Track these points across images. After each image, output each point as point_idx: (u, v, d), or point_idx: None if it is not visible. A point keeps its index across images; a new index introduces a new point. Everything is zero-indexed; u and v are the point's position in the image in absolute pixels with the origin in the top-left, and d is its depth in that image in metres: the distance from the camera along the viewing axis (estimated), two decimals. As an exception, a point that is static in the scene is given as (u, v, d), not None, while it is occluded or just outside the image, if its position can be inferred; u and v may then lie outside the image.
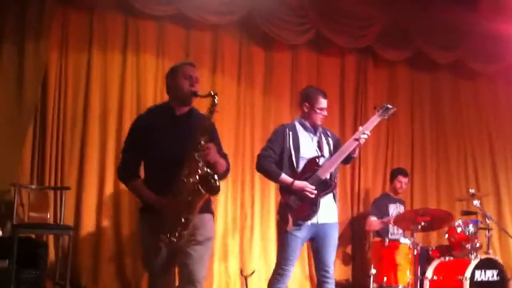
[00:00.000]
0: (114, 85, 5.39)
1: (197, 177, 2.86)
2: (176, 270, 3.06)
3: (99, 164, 5.25)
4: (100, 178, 5.24)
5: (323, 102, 3.94)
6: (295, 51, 6.26)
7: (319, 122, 3.97)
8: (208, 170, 2.88)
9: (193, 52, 5.73)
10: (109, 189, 5.25)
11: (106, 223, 5.21)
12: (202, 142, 2.91)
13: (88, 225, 5.15)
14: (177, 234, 2.86)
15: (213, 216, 3.18)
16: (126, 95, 5.39)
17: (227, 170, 3.13)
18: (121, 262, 5.20)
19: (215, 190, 2.88)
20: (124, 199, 5.28)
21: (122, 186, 5.09)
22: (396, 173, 6.00)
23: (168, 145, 2.99)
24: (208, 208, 3.07)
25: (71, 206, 5.11)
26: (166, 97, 5.26)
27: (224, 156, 3.12)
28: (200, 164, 2.89)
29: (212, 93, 3.01)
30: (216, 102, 3.00)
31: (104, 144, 5.28)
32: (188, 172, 2.89)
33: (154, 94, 5.52)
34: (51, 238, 5.00)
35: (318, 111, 3.94)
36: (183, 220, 2.86)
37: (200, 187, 2.85)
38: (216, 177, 2.87)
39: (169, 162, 2.93)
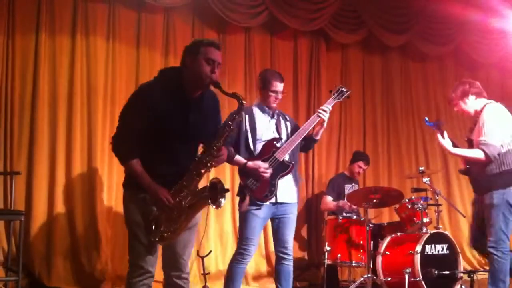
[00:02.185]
0: (63, 69, 5.27)
1: (208, 185, 2.77)
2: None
3: (49, 149, 5.15)
4: (50, 164, 5.13)
5: (276, 85, 3.96)
6: (249, 34, 6.27)
7: (272, 105, 3.99)
8: (217, 183, 2.79)
9: (145, 35, 5.67)
10: (60, 175, 5.15)
11: (58, 209, 5.12)
12: (217, 148, 2.82)
13: (39, 211, 5.05)
14: (170, 230, 2.79)
15: None
16: (76, 79, 5.27)
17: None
18: (75, 248, 5.13)
19: (218, 204, 2.79)
20: (77, 185, 5.20)
21: (74, 172, 5.16)
22: (358, 157, 6.08)
23: (176, 131, 2.83)
24: None
25: (21, 191, 5.00)
26: (117, 81, 5.38)
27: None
28: (208, 168, 2.83)
29: (241, 99, 2.85)
30: (242, 110, 2.87)
31: (54, 129, 5.17)
32: (197, 175, 2.81)
33: (105, 78, 5.42)
34: (1, 224, 4.89)
35: (271, 93, 3.97)
36: (178, 221, 2.79)
37: (207, 196, 2.77)
38: (223, 192, 2.79)
39: (174, 145, 2.84)
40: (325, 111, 3.94)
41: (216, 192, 2.78)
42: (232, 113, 2.89)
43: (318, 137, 4.08)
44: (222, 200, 2.80)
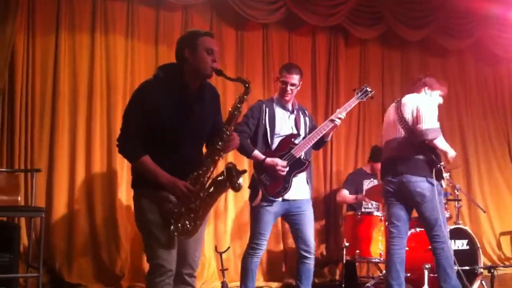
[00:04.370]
0: (83, 67, 5.32)
1: (224, 170, 2.77)
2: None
3: (69, 147, 5.21)
4: (71, 161, 5.20)
5: (285, 75, 3.94)
6: (266, 30, 6.26)
7: (285, 97, 3.97)
8: (234, 166, 2.79)
9: (163, 32, 5.69)
10: (80, 172, 5.21)
11: (78, 206, 5.18)
12: (228, 132, 2.82)
13: (60, 208, 5.11)
14: (191, 222, 2.77)
15: None
16: (95, 77, 5.32)
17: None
18: (95, 244, 5.19)
19: (238, 186, 2.78)
20: (97, 182, 5.26)
21: (94, 169, 5.22)
22: (379, 155, 6.02)
23: (181, 124, 2.81)
24: None
25: (42, 189, 5.07)
26: (136, 79, 5.41)
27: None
28: (221, 154, 2.82)
29: (246, 82, 2.87)
30: (249, 92, 2.87)
31: (74, 126, 5.23)
32: (211, 162, 2.81)
33: (124, 75, 5.47)
34: (23, 221, 4.96)
35: (281, 84, 3.96)
36: (199, 211, 2.77)
37: (224, 180, 2.77)
38: (240, 174, 2.78)
39: (180, 141, 2.81)
40: (340, 118, 3.94)
41: (233, 175, 2.76)
42: (240, 96, 2.87)
43: (328, 139, 4.11)
44: (241, 182, 2.78)
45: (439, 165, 4.16)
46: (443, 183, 4.29)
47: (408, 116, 4.24)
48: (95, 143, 5.26)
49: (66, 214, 5.15)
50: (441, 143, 4.16)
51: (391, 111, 4.45)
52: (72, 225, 5.15)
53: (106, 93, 5.39)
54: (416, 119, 4.16)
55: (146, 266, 2.91)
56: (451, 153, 4.24)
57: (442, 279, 4.20)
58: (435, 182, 4.17)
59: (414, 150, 4.19)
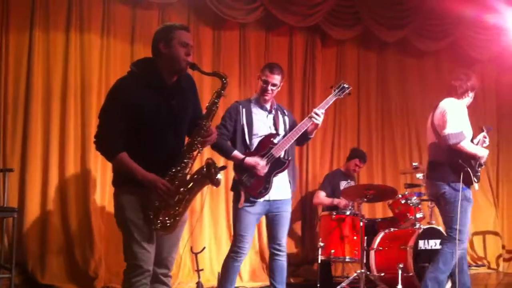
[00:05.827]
0: (57, 65, 5.27)
1: (204, 165, 2.77)
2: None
3: (42, 146, 5.16)
4: (44, 161, 5.15)
5: (266, 74, 3.92)
6: (244, 30, 6.26)
7: (264, 97, 3.96)
8: (213, 161, 2.78)
9: (140, 31, 5.65)
10: (54, 172, 5.16)
11: (51, 206, 5.14)
12: (206, 128, 2.82)
13: (33, 208, 5.06)
14: (170, 218, 2.76)
15: None
16: (70, 76, 5.28)
17: None
18: (68, 245, 5.15)
19: (216, 182, 2.77)
20: (71, 182, 5.21)
21: (68, 169, 5.17)
22: (354, 155, 6.07)
23: (161, 118, 2.79)
24: None
25: (14, 189, 5.01)
26: (111, 78, 5.37)
27: None
28: (199, 149, 2.82)
29: (223, 76, 2.87)
30: (225, 86, 2.86)
31: (48, 126, 5.18)
32: (189, 158, 2.80)
33: (99, 75, 5.43)
34: (-5, 222, 4.91)
35: (262, 84, 3.95)
36: (177, 207, 2.76)
37: (204, 175, 2.76)
38: (219, 169, 2.76)
39: (161, 135, 2.80)
40: (318, 115, 3.87)
41: (212, 171, 2.76)
42: (217, 91, 2.87)
43: (312, 136, 4.05)
44: (220, 177, 2.78)
45: (466, 169, 4.14)
46: (476, 186, 4.24)
47: (436, 121, 4.28)
48: (69, 142, 5.22)
49: (39, 214, 5.11)
50: (467, 146, 4.17)
51: (430, 116, 4.45)
52: (45, 226, 5.10)
53: (80, 92, 5.34)
54: (442, 124, 4.19)
55: (120, 266, 2.89)
56: (480, 153, 4.21)
57: (431, 267, 4.22)
58: (460, 186, 4.13)
59: (442, 154, 4.22)
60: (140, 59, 2.98)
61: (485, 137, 4.39)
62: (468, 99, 4.38)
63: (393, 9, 6.84)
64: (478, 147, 4.25)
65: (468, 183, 4.20)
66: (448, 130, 4.10)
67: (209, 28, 6.10)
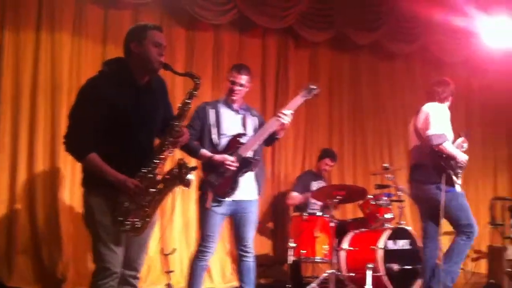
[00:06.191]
0: (27, 65, 5.23)
1: (175, 166, 2.76)
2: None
3: (11, 145, 5.12)
4: (12, 160, 5.10)
5: (234, 75, 3.96)
6: (217, 31, 6.27)
7: (232, 97, 3.99)
8: (184, 162, 2.77)
9: (112, 31, 5.61)
10: (22, 172, 5.12)
11: (19, 206, 5.09)
12: (178, 128, 2.82)
13: (0, 208, 5.00)
14: (140, 220, 2.75)
15: None
16: (40, 76, 5.24)
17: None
18: (36, 246, 5.10)
19: (187, 182, 2.78)
20: (39, 182, 5.17)
21: (36, 169, 5.12)
22: (325, 154, 6.13)
23: (132, 118, 2.78)
24: None
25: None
26: (82, 78, 5.29)
27: None
28: (170, 150, 2.82)
29: (196, 77, 2.86)
30: (198, 87, 2.87)
31: (17, 125, 5.13)
32: (160, 159, 2.80)
33: (70, 75, 5.39)
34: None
35: (230, 84, 3.99)
36: (147, 208, 2.76)
37: (175, 176, 2.76)
38: (190, 170, 2.76)
39: (132, 136, 2.79)
40: (285, 115, 3.89)
41: (183, 171, 2.76)
42: (189, 91, 2.88)
43: (280, 136, 4.07)
44: (191, 178, 2.78)
45: (448, 171, 4.23)
46: (457, 187, 4.35)
47: (420, 124, 4.35)
48: (38, 142, 5.18)
49: (6, 214, 5.05)
50: (449, 147, 4.25)
51: (413, 119, 4.53)
52: (12, 226, 5.04)
53: (50, 92, 5.30)
54: (425, 126, 4.27)
55: (89, 269, 2.89)
56: (460, 157, 4.32)
57: (444, 259, 4.35)
58: (444, 187, 4.24)
59: (425, 157, 4.31)
60: (112, 59, 2.97)
61: (463, 142, 4.51)
62: (448, 103, 4.50)
63: (366, 12, 6.90)
64: (458, 151, 4.36)
65: (451, 185, 4.31)
66: (431, 131, 4.21)
67: (182, 29, 6.10)
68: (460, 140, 4.51)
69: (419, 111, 4.46)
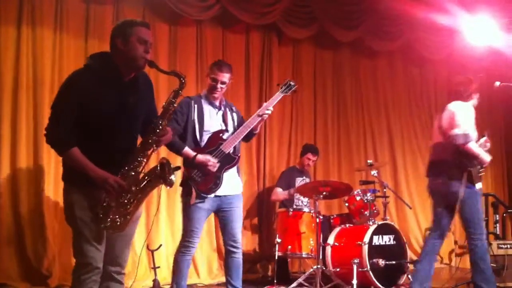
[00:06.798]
0: (9, 61, 5.15)
1: (158, 165, 2.73)
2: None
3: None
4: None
5: (215, 73, 3.94)
6: (200, 26, 6.23)
7: (213, 94, 3.97)
8: (168, 162, 2.74)
9: (94, 26, 5.56)
10: (5, 167, 5.04)
11: (2, 202, 4.99)
12: (161, 127, 2.78)
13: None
14: (121, 217, 2.72)
15: None
16: (21, 70, 5.16)
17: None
18: (20, 242, 5.01)
19: (170, 182, 2.75)
20: (22, 178, 5.09)
21: (19, 164, 5.03)
22: (306, 149, 6.14)
23: (115, 114, 2.74)
24: None
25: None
26: (64, 73, 5.25)
27: None
28: (154, 148, 2.79)
29: (181, 76, 2.84)
30: (184, 86, 2.83)
31: (-1, 121, 5.04)
32: (143, 157, 2.77)
33: (52, 70, 5.32)
34: None
35: (210, 81, 3.97)
36: (128, 206, 2.73)
37: (157, 175, 2.73)
38: (174, 170, 2.74)
39: (114, 132, 2.75)
40: (268, 113, 3.95)
41: (166, 171, 2.73)
42: (174, 90, 2.86)
43: (257, 131, 4.10)
44: (173, 178, 2.75)
45: (469, 169, 4.25)
46: (477, 185, 4.35)
47: (444, 122, 4.36)
48: (21, 137, 5.10)
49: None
50: (474, 147, 4.28)
51: (437, 117, 4.55)
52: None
53: (32, 87, 5.22)
54: (450, 125, 4.29)
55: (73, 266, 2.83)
56: (483, 158, 4.34)
57: (473, 271, 4.31)
58: (464, 184, 4.25)
59: (448, 154, 4.32)
60: (97, 53, 2.91)
61: (486, 142, 4.57)
62: (474, 101, 4.52)
63: (347, 9, 6.94)
64: (482, 151, 4.40)
65: (472, 183, 4.32)
66: (457, 131, 4.23)
67: (165, 24, 6.05)
68: (483, 139, 4.58)
69: (444, 109, 4.48)
